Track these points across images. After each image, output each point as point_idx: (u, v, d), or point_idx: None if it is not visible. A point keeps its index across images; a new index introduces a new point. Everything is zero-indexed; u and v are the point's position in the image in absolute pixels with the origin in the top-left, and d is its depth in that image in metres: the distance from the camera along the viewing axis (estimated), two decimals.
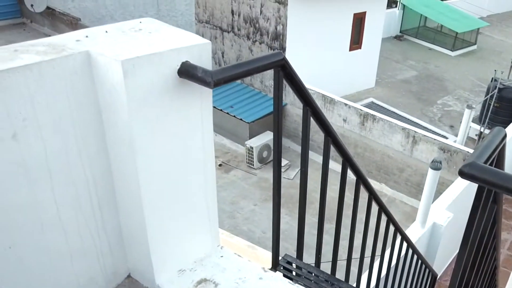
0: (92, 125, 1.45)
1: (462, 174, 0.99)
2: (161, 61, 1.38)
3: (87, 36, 1.46)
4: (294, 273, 2.04)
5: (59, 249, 1.53)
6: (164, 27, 1.57)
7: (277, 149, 1.71)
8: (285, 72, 1.61)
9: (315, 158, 9.77)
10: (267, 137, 11.23)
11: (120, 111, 1.39)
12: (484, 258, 1.73)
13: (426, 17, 19.52)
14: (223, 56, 13.33)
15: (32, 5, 14.64)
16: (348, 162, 2.12)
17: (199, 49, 1.46)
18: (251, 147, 11.01)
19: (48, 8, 14.94)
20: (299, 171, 1.96)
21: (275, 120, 1.71)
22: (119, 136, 1.45)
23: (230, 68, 1.42)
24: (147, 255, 1.66)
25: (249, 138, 11.35)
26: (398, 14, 19.56)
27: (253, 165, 11.20)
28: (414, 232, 5.15)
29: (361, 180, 2.32)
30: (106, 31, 1.50)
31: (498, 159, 1.28)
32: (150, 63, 1.36)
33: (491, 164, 1.06)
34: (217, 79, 1.36)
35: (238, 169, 11.29)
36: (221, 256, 1.83)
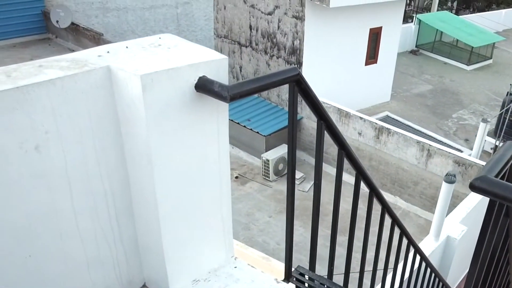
0: (111, 138, 1.47)
1: (473, 187, 0.98)
2: (179, 76, 1.40)
3: (108, 52, 1.49)
4: (306, 284, 2.02)
5: (77, 258, 1.54)
6: (182, 42, 1.59)
7: (291, 162, 1.71)
8: (300, 87, 1.62)
9: (329, 170, 9.73)
10: (283, 150, 11.22)
11: (138, 124, 1.41)
12: (497, 273, 1.70)
13: (442, 32, 19.41)
14: (240, 71, 13.41)
15: (57, 21, 14.98)
16: (361, 175, 2.11)
17: (216, 65, 1.48)
18: (267, 159, 11.01)
19: (72, 24, 15.26)
20: (311, 186, 1.95)
21: (290, 134, 1.72)
22: (137, 149, 1.47)
23: (246, 83, 1.43)
24: (162, 265, 1.67)
25: (266, 151, 11.36)
26: (414, 29, 19.49)
27: (268, 178, 11.19)
28: (428, 245, 5.08)
29: (374, 192, 2.30)
30: (127, 47, 1.53)
31: (511, 173, 1.26)
32: (168, 78, 1.38)
33: (502, 178, 1.05)
34: (233, 93, 1.37)
35: (254, 181, 11.30)
36: (235, 267, 1.83)
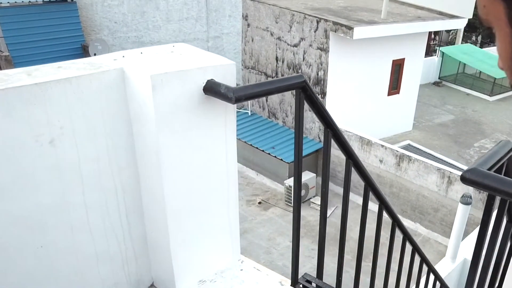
0: (122, 136, 1.50)
1: (464, 179, 0.96)
2: (188, 78, 1.43)
3: (123, 56, 1.54)
4: None
5: (87, 252, 1.56)
6: (194, 49, 1.63)
7: (297, 165, 1.70)
8: (305, 94, 1.62)
9: (350, 197, 9.58)
10: (305, 176, 11.15)
11: (148, 123, 1.44)
12: (499, 278, 1.63)
13: (465, 64, 19.19)
14: (267, 100, 13.50)
15: (95, 54, 15.52)
16: (370, 186, 2.09)
17: (223, 69, 1.51)
18: (289, 186, 10.97)
19: None
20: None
21: (296, 140, 1.72)
22: (147, 147, 1.49)
23: (251, 86, 1.45)
24: (170, 265, 1.67)
25: (288, 177, 11.32)
26: (437, 62, 19.32)
27: (290, 203, 11.11)
28: (444, 267, 4.92)
29: (383, 205, 2.26)
30: (141, 53, 1.58)
31: (508, 170, 1.22)
32: (178, 79, 1.41)
33: (497, 172, 1.02)
34: (238, 95, 1.39)
35: (277, 206, 11.24)
36: (241, 269, 1.82)
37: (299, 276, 2.06)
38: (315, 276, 2.09)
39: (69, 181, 1.43)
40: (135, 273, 1.73)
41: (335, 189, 11.49)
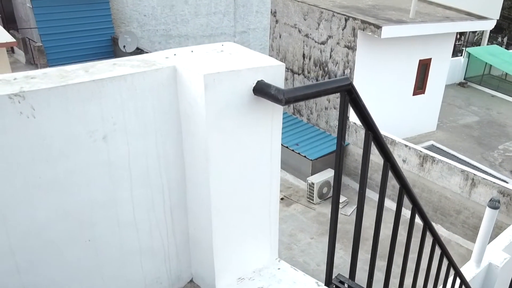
0: (172, 134, 1.50)
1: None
2: (239, 78, 1.42)
3: (175, 54, 1.53)
4: None
5: (131, 247, 1.56)
6: (243, 49, 1.61)
7: (339, 162, 1.68)
8: (351, 97, 1.60)
9: (372, 196, 9.51)
10: (328, 174, 11.09)
11: (198, 122, 1.43)
12: None
13: (491, 65, 18.78)
14: None
15: (124, 46, 15.69)
16: (404, 188, 2.05)
17: (273, 70, 1.49)
18: (312, 183, 10.92)
19: (137, 49, 15.90)
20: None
21: (338, 142, 1.70)
22: (196, 145, 1.49)
23: (300, 88, 1.43)
24: (211, 261, 1.67)
25: (311, 175, 11.27)
26: (463, 62, 18.95)
27: (312, 200, 11.08)
28: (469, 271, 4.83)
29: (416, 208, 2.23)
30: (192, 51, 1.57)
31: None
32: (229, 79, 1.40)
33: None
34: (288, 97, 1.37)
35: (299, 203, 11.21)
36: (278, 269, 1.81)
37: (333, 276, 2.05)
38: (348, 277, 2.08)
39: (119, 177, 1.43)
40: (176, 268, 1.74)
41: (357, 187, 11.40)
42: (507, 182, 9.54)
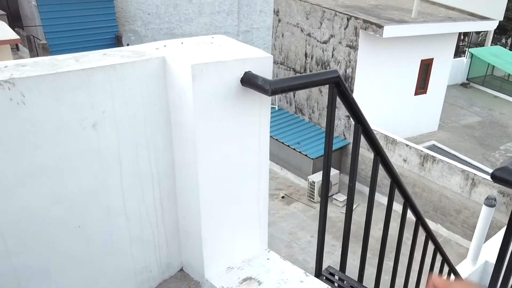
0: (161, 123, 1.52)
1: (494, 177, 0.95)
2: (227, 69, 1.44)
3: (165, 46, 1.56)
4: (336, 284, 1.99)
5: (121, 235, 1.59)
6: (233, 42, 1.63)
7: (327, 156, 1.70)
8: (339, 89, 1.62)
9: (377, 197, 9.49)
10: None
11: (186, 112, 1.46)
12: None
13: (493, 66, 18.74)
14: (294, 96, 13.46)
15: (128, 44, 15.72)
16: (395, 182, 2.07)
17: (261, 62, 1.51)
18: (313, 181, 10.94)
19: None
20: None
21: (327, 134, 1.72)
22: (184, 135, 1.51)
23: (287, 79, 1.45)
24: (200, 251, 1.69)
25: (312, 173, 11.29)
26: (466, 63, 18.92)
27: (313, 199, 11.09)
28: (465, 269, 4.84)
29: (408, 202, 2.24)
30: (182, 43, 1.59)
31: None
32: (217, 70, 1.42)
33: None
34: (275, 87, 1.39)
35: (299, 202, 11.23)
36: (268, 259, 1.83)
37: (323, 268, 2.07)
38: (338, 269, 2.09)
39: (108, 165, 1.45)
40: (166, 257, 1.76)
41: (358, 186, 11.38)
42: None
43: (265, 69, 1.51)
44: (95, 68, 1.34)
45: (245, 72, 1.46)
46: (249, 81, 1.44)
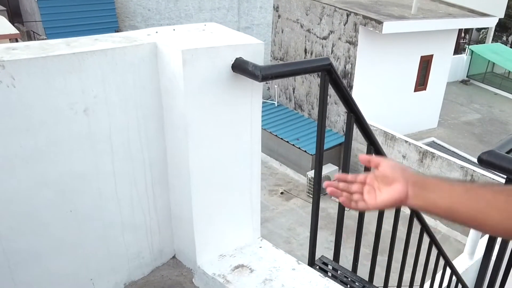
0: (152, 109, 1.53)
1: (481, 161, 0.95)
2: (218, 55, 1.44)
3: (157, 32, 1.56)
4: (329, 274, 1.99)
5: (113, 220, 1.59)
6: (225, 29, 1.64)
7: (320, 142, 1.71)
8: (330, 77, 1.62)
9: None
10: (328, 169, 11.09)
11: (177, 97, 1.46)
12: None
13: (493, 63, 18.71)
14: (293, 92, 13.45)
15: None
16: None
17: (253, 48, 1.51)
18: (311, 177, 10.93)
19: None
20: None
21: (319, 124, 1.72)
22: (175, 121, 1.52)
23: (278, 66, 1.46)
24: (192, 238, 1.70)
25: (311, 169, 11.28)
26: (466, 60, 18.87)
27: (312, 195, 11.10)
28: (462, 263, 4.85)
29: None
30: (174, 29, 1.60)
31: None
32: (208, 56, 1.42)
33: None
34: (265, 73, 1.40)
35: (298, 197, 11.23)
36: (260, 247, 1.84)
37: (316, 258, 2.08)
38: (332, 259, 2.10)
39: (100, 150, 1.46)
40: (158, 243, 1.77)
41: None
42: None
43: (257, 56, 1.52)
44: (86, 53, 1.34)
45: (236, 58, 1.47)
46: (239, 67, 1.45)
